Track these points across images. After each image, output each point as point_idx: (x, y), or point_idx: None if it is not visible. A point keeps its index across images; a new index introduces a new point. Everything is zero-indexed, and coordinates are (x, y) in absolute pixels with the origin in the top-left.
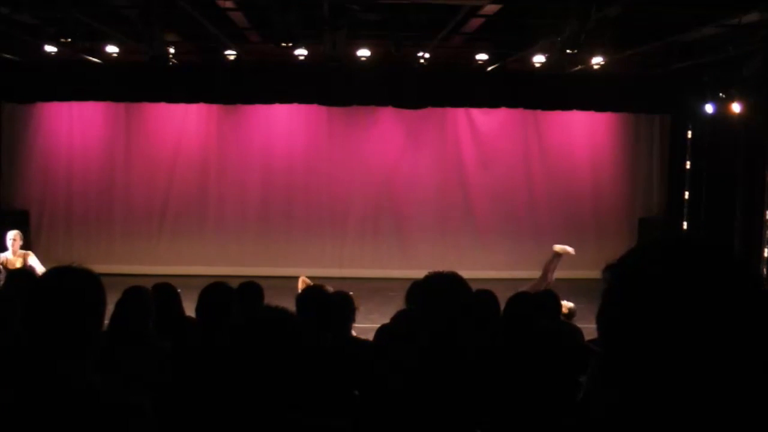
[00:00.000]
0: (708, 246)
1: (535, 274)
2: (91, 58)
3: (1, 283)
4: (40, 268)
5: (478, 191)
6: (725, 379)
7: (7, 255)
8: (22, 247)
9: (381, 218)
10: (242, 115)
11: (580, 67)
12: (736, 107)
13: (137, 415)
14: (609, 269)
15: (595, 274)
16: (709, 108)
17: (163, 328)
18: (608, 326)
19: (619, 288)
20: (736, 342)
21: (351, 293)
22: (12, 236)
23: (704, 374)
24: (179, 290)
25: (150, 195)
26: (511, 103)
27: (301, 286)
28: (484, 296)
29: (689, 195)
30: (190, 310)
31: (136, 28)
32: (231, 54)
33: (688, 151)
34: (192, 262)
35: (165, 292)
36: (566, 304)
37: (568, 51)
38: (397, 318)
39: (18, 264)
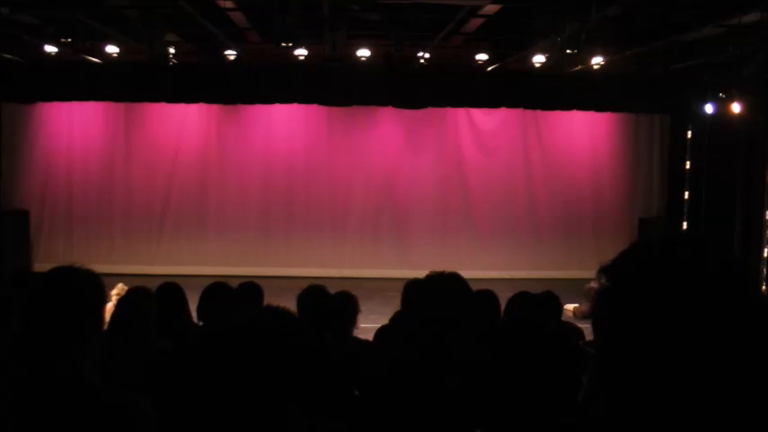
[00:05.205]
0: (701, 245)
1: (535, 274)
2: (91, 58)
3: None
4: None
5: (478, 191)
6: (721, 378)
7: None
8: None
9: (381, 218)
10: (242, 115)
11: (580, 67)
12: (736, 107)
13: (137, 414)
14: (603, 270)
15: (594, 274)
16: (709, 108)
17: (167, 330)
18: (603, 327)
19: (614, 289)
20: (729, 341)
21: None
22: (117, 291)
23: (699, 374)
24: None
25: (150, 195)
26: (511, 103)
27: None
28: (484, 296)
29: (689, 195)
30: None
31: (136, 28)
32: (231, 54)
33: (688, 151)
34: (192, 262)
35: (170, 292)
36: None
37: (568, 51)
38: (397, 319)
39: None
